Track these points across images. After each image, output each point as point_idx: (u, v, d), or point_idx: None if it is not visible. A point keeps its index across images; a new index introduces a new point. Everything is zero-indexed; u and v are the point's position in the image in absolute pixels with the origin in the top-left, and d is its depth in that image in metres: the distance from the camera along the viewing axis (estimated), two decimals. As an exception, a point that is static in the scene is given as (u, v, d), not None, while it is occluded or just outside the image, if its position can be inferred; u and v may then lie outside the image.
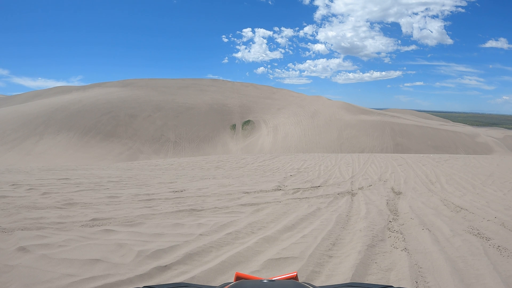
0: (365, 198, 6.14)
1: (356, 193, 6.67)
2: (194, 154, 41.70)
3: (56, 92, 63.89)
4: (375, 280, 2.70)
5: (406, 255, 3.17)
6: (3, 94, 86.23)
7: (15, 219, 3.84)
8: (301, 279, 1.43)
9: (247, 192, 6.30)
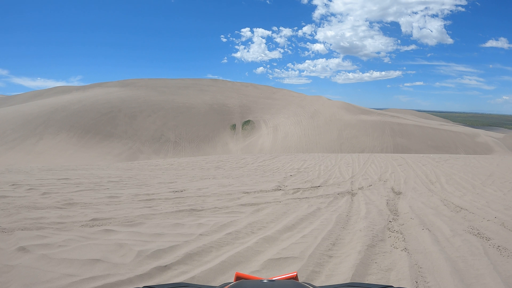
0: (365, 198, 6.14)
1: (356, 193, 6.67)
2: (194, 154, 41.72)
3: (56, 92, 63.91)
4: (375, 280, 2.70)
5: (406, 255, 3.17)
6: (2, 94, 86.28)
7: (15, 219, 3.84)
8: (301, 279, 1.43)
9: (247, 192, 6.30)
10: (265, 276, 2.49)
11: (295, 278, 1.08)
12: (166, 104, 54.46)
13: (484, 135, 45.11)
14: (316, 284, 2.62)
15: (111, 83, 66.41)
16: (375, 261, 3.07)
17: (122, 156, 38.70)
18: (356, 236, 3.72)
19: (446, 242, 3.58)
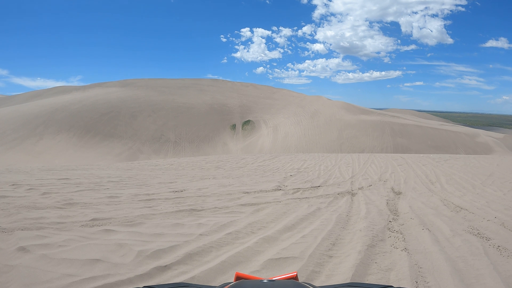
0: (365, 198, 6.14)
1: (356, 193, 6.67)
2: (194, 154, 41.71)
3: (56, 92, 63.88)
4: (375, 280, 2.70)
5: (406, 255, 3.17)
6: (2, 94, 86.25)
7: (15, 219, 3.84)
8: (301, 279, 1.43)
9: (247, 192, 6.30)
10: (265, 276, 2.49)
11: (295, 278, 1.08)
12: (166, 104, 54.45)
13: (484, 135, 45.10)
14: (316, 284, 2.61)
15: (111, 83, 66.37)
16: (375, 261, 3.07)
17: (122, 156, 38.70)
18: (356, 236, 3.72)
19: (446, 242, 3.58)
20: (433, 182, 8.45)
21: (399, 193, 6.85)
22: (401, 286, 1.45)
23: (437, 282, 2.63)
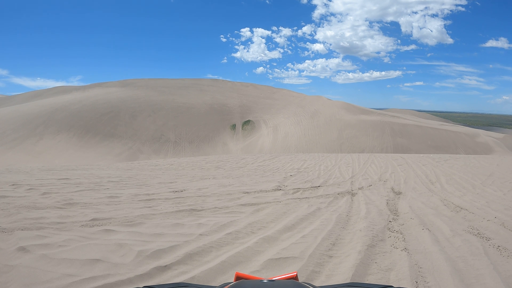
0: (365, 198, 6.14)
1: (356, 193, 6.67)
2: (194, 154, 41.71)
3: (56, 92, 63.89)
4: (375, 280, 2.70)
5: (406, 255, 3.17)
6: (2, 94, 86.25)
7: (15, 219, 3.84)
8: (301, 279, 1.43)
9: (247, 192, 6.30)
10: (265, 276, 2.49)
11: (295, 278, 1.08)
12: (166, 104, 54.46)
13: (484, 135, 45.09)
14: (316, 284, 2.61)
15: (111, 83, 66.37)
16: (375, 261, 3.07)
17: (122, 156, 38.70)
18: (356, 236, 3.72)
19: (446, 242, 3.58)
20: (433, 182, 8.45)
21: (399, 193, 6.85)
22: (401, 286, 1.45)
23: (437, 282, 2.63)
